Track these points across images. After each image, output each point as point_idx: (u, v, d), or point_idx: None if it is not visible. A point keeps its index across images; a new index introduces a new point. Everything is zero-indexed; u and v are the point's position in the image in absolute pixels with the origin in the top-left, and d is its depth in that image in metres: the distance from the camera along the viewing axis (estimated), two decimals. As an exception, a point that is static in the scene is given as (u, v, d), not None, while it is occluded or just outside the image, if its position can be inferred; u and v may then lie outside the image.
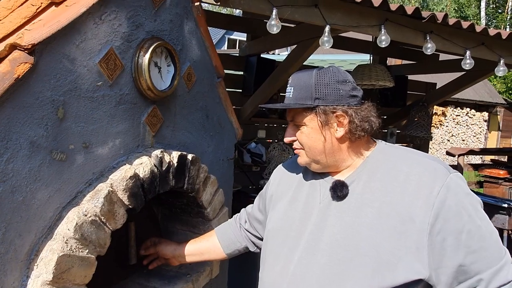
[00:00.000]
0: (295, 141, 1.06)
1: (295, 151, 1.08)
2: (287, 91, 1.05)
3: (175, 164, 1.58)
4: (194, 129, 1.87)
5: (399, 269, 0.87)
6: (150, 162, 1.44)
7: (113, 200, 1.25)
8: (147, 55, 1.41)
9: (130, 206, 1.32)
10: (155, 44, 1.44)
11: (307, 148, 1.02)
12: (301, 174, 1.14)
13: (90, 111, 1.23)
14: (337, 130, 0.98)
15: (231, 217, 2.19)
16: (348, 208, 0.96)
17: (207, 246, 1.41)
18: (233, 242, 1.36)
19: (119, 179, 1.28)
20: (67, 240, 1.10)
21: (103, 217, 1.21)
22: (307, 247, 0.99)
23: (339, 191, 0.98)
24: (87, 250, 1.15)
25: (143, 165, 1.40)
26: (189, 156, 1.67)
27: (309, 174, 1.11)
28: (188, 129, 1.82)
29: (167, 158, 1.54)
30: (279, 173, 1.25)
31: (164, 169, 1.51)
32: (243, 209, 1.40)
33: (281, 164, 1.30)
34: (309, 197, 1.06)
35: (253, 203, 1.41)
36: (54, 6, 1.25)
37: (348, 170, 1.03)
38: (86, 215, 1.15)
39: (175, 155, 1.59)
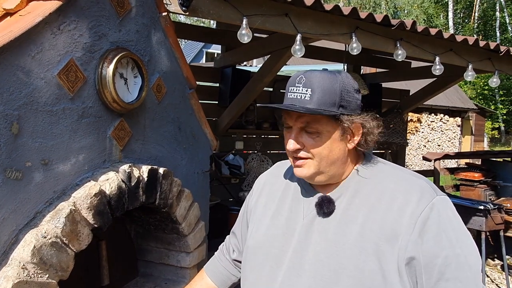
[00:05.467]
0: (301, 149, 0.93)
1: (299, 162, 0.94)
2: (298, 91, 0.90)
3: (145, 179, 1.51)
4: (166, 142, 1.81)
5: None
6: (118, 177, 1.37)
7: (76, 220, 1.17)
8: (111, 66, 1.35)
9: (96, 225, 1.25)
10: (120, 55, 1.39)
11: (318, 158, 0.92)
12: (284, 186, 1.07)
13: (49, 126, 1.16)
14: (350, 140, 0.92)
15: (208, 231, 2.14)
16: (332, 225, 0.91)
17: None
18: (228, 277, 1.21)
19: (82, 197, 1.21)
20: (24, 265, 1.01)
21: (65, 238, 1.13)
22: (291, 267, 0.92)
23: (326, 207, 0.92)
24: (47, 275, 1.06)
25: (109, 181, 1.33)
26: (161, 170, 1.61)
27: (292, 186, 1.04)
28: (159, 142, 1.76)
29: (136, 172, 1.47)
30: (261, 183, 1.16)
31: (133, 184, 1.44)
32: (227, 238, 1.25)
33: (262, 174, 1.21)
34: (292, 211, 0.99)
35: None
36: (9, 16, 1.19)
37: (336, 183, 0.97)
38: (45, 237, 1.07)
39: (145, 169, 1.53)
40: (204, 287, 1.19)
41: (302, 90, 0.90)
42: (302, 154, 0.92)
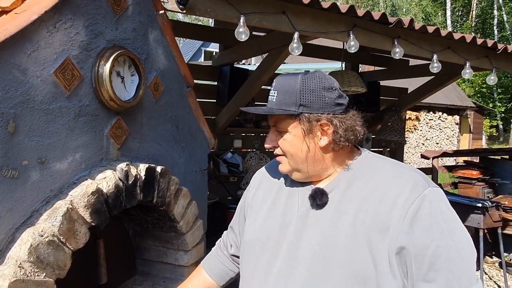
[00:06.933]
0: (276, 147, 1.00)
1: (277, 158, 1.02)
2: (270, 94, 0.98)
3: (143, 177, 1.51)
4: (164, 140, 1.81)
5: (377, 281, 0.83)
6: (115, 176, 1.37)
7: (73, 218, 1.17)
8: (108, 65, 1.35)
9: (93, 224, 1.24)
10: (116, 53, 1.39)
11: (289, 156, 0.97)
12: (282, 179, 1.09)
13: (45, 124, 1.16)
14: (320, 139, 0.94)
15: (206, 230, 2.14)
16: (326, 217, 0.93)
17: (200, 286, 1.21)
18: (226, 272, 1.22)
19: (80, 195, 1.21)
20: (20, 264, 1.01)
21: (62, 237, 1.13)
22: (287, 259, 0.94)
23: (319, 199, 0.94)
24: (44, 274, 1.06)
25: (106, 180, 1.33)
26: (158, 168, 1.61)
27: (289, 179, 1.06)
28: (157, 140, 1.76)
29: (133, 171, 1.47)
30: (258, 178, 1.18)
31: (130, 183, 1.44)
32: (224, 233, 1.26)
33: (260, 169, 1.21)
34: (287, 204, 1.01)
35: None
36: (4, 14, 1.18)
37: (328, 178, 0.99)
38: (42, 236, 1.07)
39: (142, 167, 1.53)
40: (201, 282, 1.20)
41: (272, 92, 0.97)
42: (277, 151, 1.00)
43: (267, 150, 1.21)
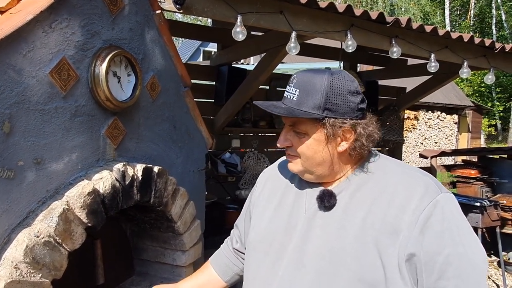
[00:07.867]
0: (290, 148, 0.95)
1: (288, 157, 0.98)
2: (289, 91, 0.91)
3: (140, 178, 1.51)
4: (161, 141, 1.81)
5: (387, 287, 0.82)
6: (111, 176, 1.36)
7: (70, 219, 1.17)
8: (104, 65, 1.35)
9: (89, 224, 1.24)
10: (113, 53, 1.39)
11: (304, 158, 0.93)
12: (288, 180, 1.06)
13: (41, 125, 1.15)
14: (340, 144, 0.91)
15: (204, 230, 2.14)
16: (333, 219, 0.91)
17: (204, 279, 1.21)
18: (229, 267, 1.21)
19: (76, 196, 1.21)
20: (16, 264, 1.01)
21: (58, 238, 1.12)
22: (292, 261, 0.92)
23: (327, 201, 0.91)
24: (40, 275, 1.06)
25: (103, 180, 1.33)
26: (155, 169, 1.61)
27: (296, 180, 1.03)
28: (154, 140, 1.76)
29: (130, 171, 1.47)
30: (265, 176, 1.16)
31: (127, 183, 1.44)
32: (232, 231, 1.25)
33: (267, 168, 1.19)
34: (294, 205, 0.99)
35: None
36: (0, 14, 1.18)
37: (339, 180, 0.96)
38: (38, 236, 1.07)
39: (139, 168, 1.52)
40: (206, 276, 1.20)
41: (292, 90, 0.91)
42: (290, 151, 0.95)
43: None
